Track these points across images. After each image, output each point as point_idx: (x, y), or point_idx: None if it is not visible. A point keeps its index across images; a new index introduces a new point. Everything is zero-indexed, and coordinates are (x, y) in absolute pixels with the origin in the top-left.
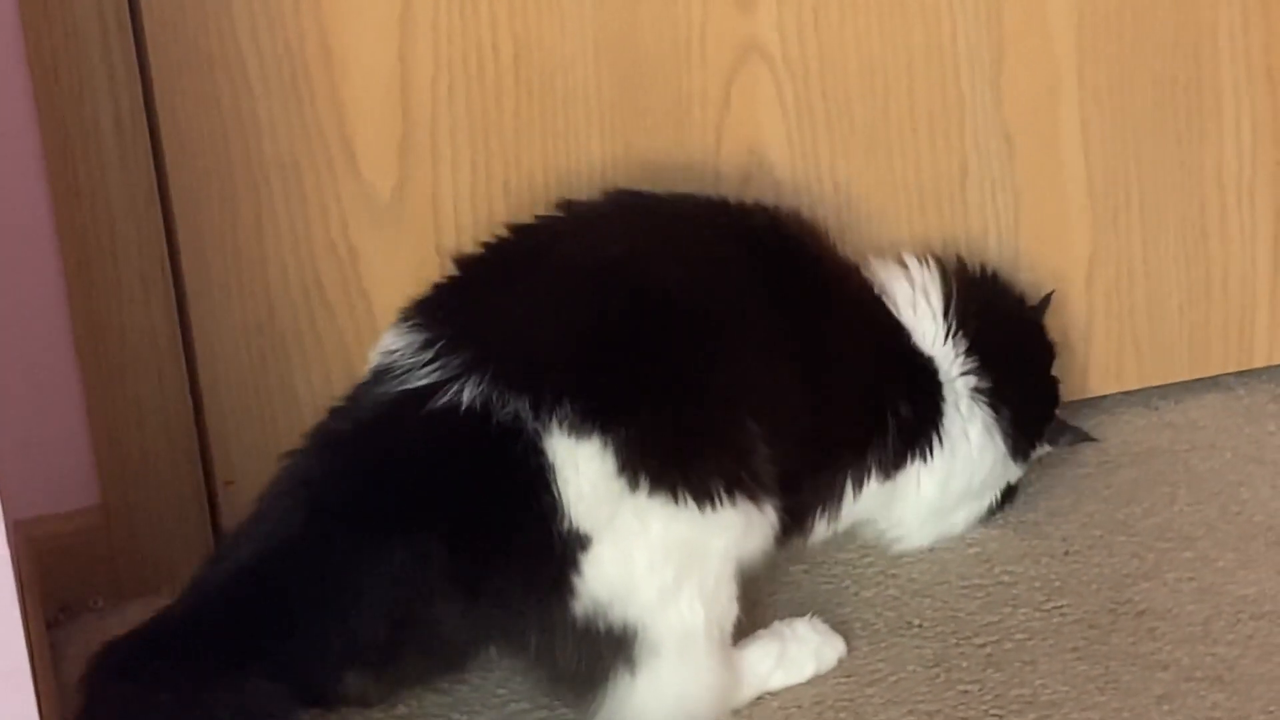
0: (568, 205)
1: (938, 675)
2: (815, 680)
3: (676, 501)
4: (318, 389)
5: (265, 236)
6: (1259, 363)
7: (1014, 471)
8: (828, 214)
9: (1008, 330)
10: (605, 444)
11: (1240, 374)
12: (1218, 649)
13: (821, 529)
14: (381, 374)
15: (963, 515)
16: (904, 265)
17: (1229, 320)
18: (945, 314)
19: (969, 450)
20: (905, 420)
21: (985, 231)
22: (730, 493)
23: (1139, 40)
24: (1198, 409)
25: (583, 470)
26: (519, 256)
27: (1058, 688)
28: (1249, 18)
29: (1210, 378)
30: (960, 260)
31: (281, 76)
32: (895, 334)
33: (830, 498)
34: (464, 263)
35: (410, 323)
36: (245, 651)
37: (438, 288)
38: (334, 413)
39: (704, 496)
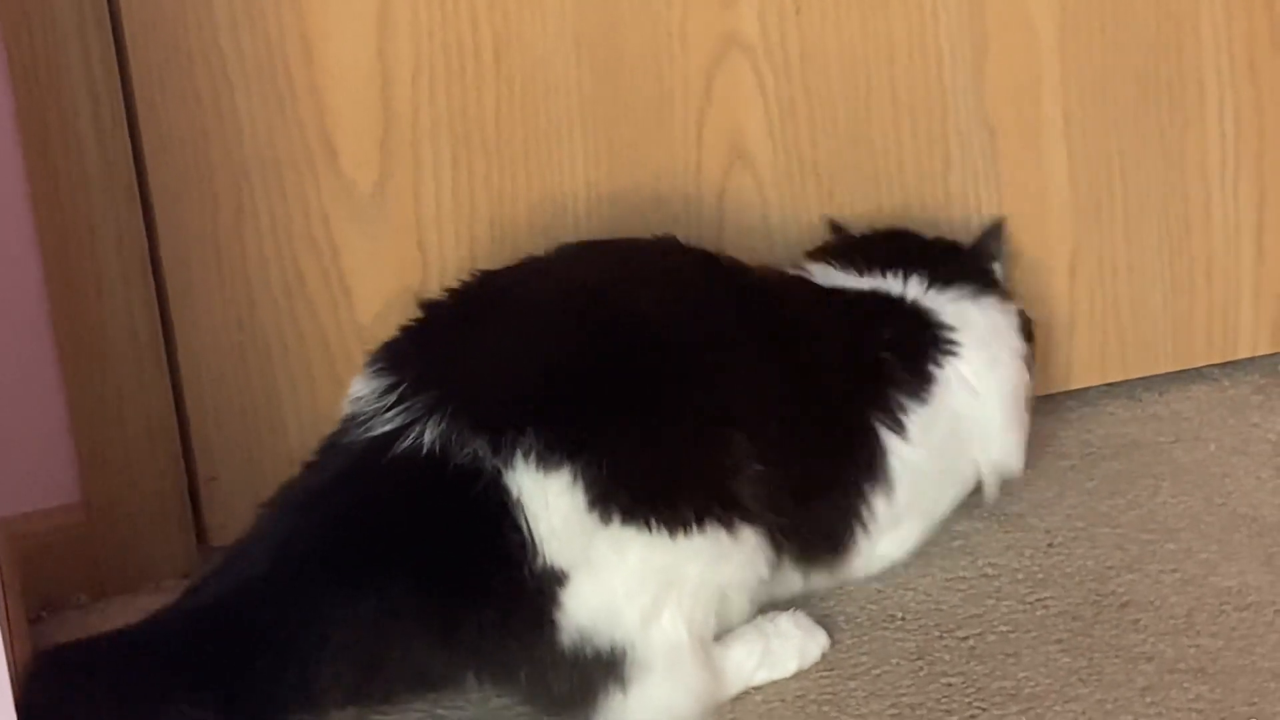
0: (531, 257)
1: (920, 668)
2: (798, 673)
3: (651, 530)
4: (299, 384)
5: (246, 233)
6: (1243, 354)
7: None
8: (810, 206)
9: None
10: (575, 476)
11: (1224, 365)
12: (1201, 641)
13: (864, 546)
14: (348, 422)
15: None
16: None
17: (1212, 312)
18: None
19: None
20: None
21: (968, 224)
22: (700, 520)
23: (1121, 32)
24: (1181, 401)
25: (553, 505)
26: (484, 297)
27: (1041, 680)
28: (1231, 10)
29: (1194, 369)
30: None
31: (261, 73)
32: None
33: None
34: (429, 306)
35: (375, 368)
36: (194, 680)
37: (403, 331)
38: (306, 467)
39: (676, 524)
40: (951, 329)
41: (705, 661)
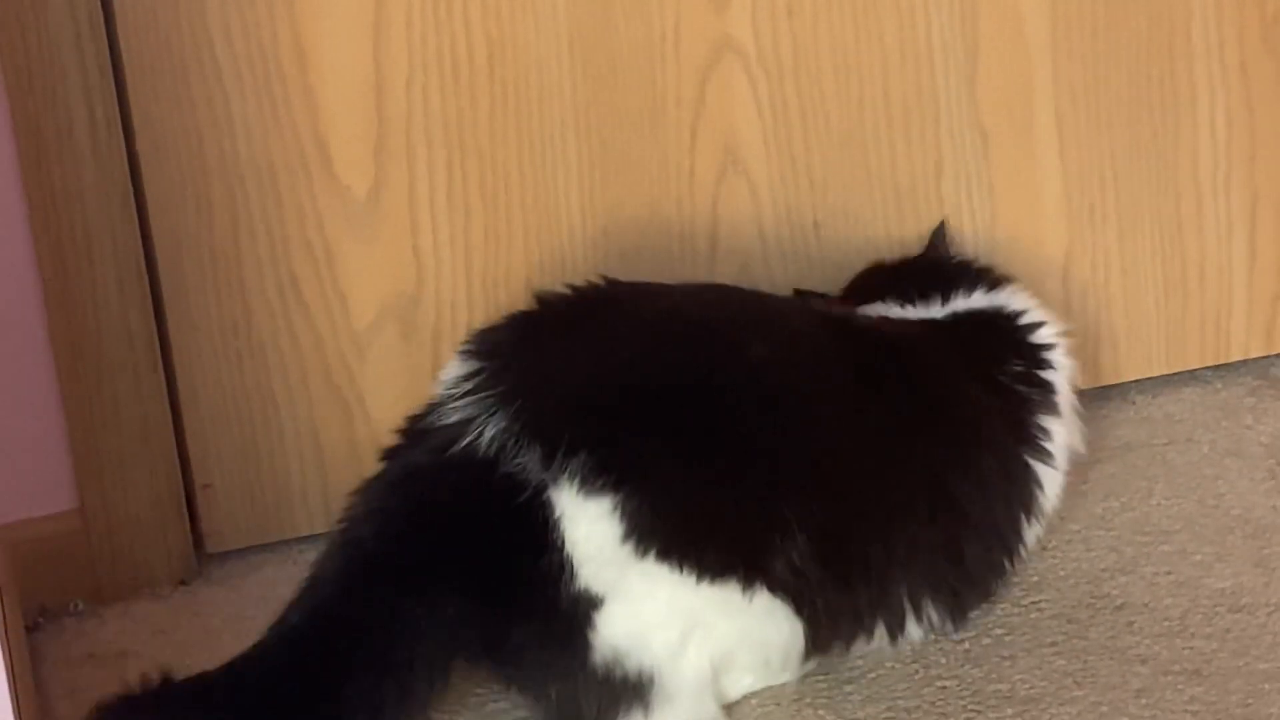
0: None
1: (916, 671)
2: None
3: (681, 571)
4: (294, 390)
5: (241, 238)
6: (1235, 356)
7: None
8: (803, 210)
9: None
10: (615, 507)
11: (1217, 368)
12: (1195, 643)
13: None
14: (430, 405)
15: None
16: None
17: (1205, 314)
18: None
19: None
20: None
21: (960, 227)
22: (722, 572)
23: (1113, 35)
24: (1175, 403)
25: (589, 531)
26: (599, 304)
27: (1036, 683)
28: (1222, 11)
29: (1187, 371)
30: None
31: (256, 78)
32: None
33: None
34: (542, 298)
35: (465, 351)
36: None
37: (506, 317)
38: (384, 454)
39: (701, 570)
40: (1046, 331)
41: (717, 690)
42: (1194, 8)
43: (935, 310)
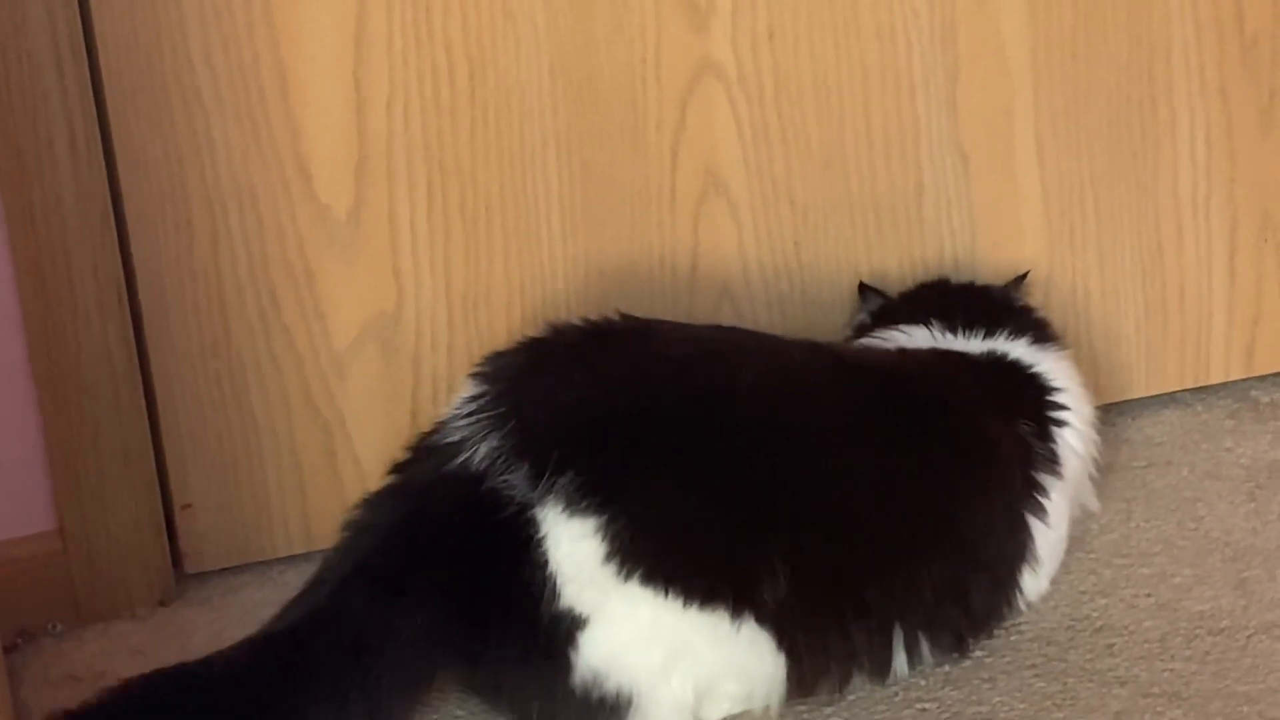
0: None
1: (895, 694)
2: None
3: (666, 596)
4: (275, 410)
5: (221, 258)
6: (1215, 379)
7: None
8: (784, 232)
9: None
10: (599, 528)
11: (1197, 390)
12: (1174, 665)
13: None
14: (439, 424)
15: None
16: None
17: (1185, 336)
18: None
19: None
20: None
21: (941, 249)
22: (709, 599)
23: (1093, 58)
24: (1154, 425)
25: (572, 551)
26: (607, 336)
27: (1016, 705)
28: (1202, 35)
29: (1167, 394)
30: None
31: (236, 99)
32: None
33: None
34: (555, 327)
35: (475, 374)
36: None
37: (517, 343)
38: (392, 468)
39: (688, 595)
40: (1063, 392)
41: (696, 715)
42: (1174, 31)
43: (973, 345)
